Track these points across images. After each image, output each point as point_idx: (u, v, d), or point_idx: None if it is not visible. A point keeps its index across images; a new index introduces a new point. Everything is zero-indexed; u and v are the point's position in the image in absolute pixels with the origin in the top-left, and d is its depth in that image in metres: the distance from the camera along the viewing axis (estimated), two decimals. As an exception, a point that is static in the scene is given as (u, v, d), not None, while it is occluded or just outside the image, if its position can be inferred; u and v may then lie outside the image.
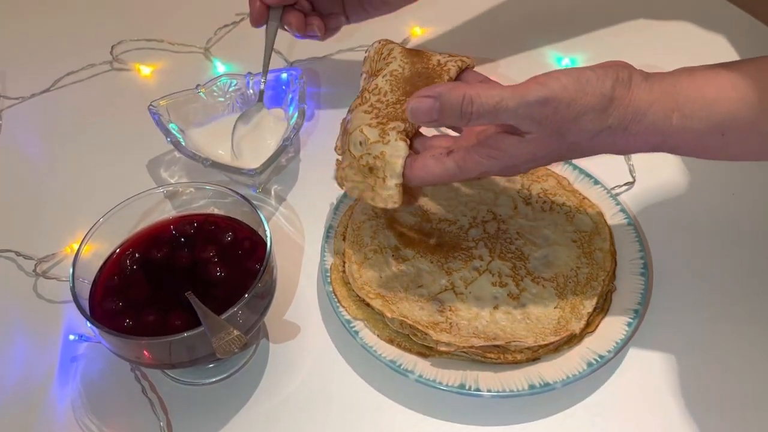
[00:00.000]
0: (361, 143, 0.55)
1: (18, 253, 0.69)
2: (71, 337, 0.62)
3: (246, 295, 0.52)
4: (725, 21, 0.91)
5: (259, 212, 0.58)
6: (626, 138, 0.49)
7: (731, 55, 0.86)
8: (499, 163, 0.51)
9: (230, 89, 0.77)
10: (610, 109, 0.48)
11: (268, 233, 0.57)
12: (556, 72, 0.48)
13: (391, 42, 0.63)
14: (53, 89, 0.87)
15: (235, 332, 0.49)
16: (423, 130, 0.59)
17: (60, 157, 0.80)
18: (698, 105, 0.48)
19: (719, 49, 0.87)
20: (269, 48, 0.75)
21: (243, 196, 0.59)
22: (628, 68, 0.49)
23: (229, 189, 0.60)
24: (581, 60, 0.87)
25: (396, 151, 0.53)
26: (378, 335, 0.59)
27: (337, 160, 0.59)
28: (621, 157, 0.75)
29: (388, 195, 0.54)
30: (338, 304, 0.61)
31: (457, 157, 0.51)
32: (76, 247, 0.68)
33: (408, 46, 0.78)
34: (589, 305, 0.59)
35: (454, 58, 0.61)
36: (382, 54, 0.63)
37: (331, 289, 0.62)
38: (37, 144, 0.82)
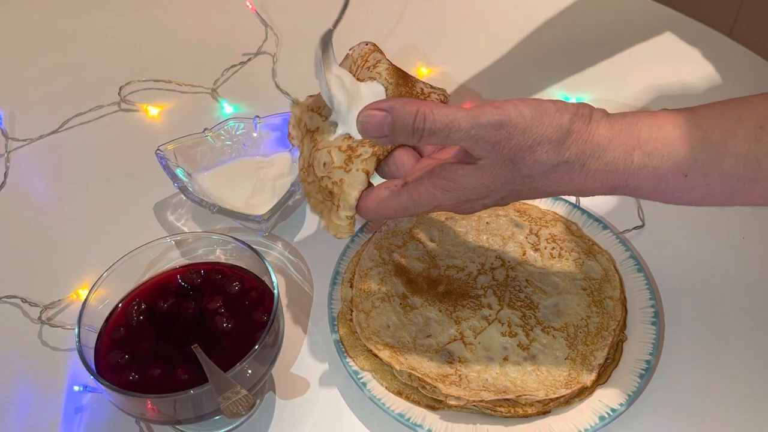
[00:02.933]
0: (324, 164, 0.53)
1: (24, 300, 0.68)
2: (76, 388, 0.61)
3: (253, 350, 0.52)
4: (730, 59, 0.91)
5: (265, 261, 0.58)
6: (584, 176, 0.47)
7: (738, 94, 0.86)
8: (453, 196, 0.49)
9: (237, 132, 0.77)
10: (567, 142, 0.46)
11: (275, 283, 0.56)
12: (515, 99, 0.47)
13: (380, 51, 0.59)
14: (61, 130, 0.87)
15: (243, 391, 0.48)
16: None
17: (67, 200, 0.80)
18: (660, 143, 0.47)
19: (724, 85, 0.87)
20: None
21: (249, 246, 0.59)
22: (589, 107, 0.48)
23: (235, 238, 0.59)
24: (588, 99, 0.87)
25: (354, 181, 0.51)
26: (386, 387, 0.58)
27: (301, 167, 0.56)
28: (630, 200, 0.74)
29: (339, 226, 0.52)
30: (345, 355, 0.60)
31: (411, 190, 0.49)
32: (82, 293, 0.69)
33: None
34: (600, 356, 0.58)
35: (436, 90, 0.59)
36: (367, 61, 0.58)
37: (338, 338, 0.61)
38: (44, 186, 0.82)
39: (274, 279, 0.56)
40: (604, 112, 0.48)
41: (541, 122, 0.46)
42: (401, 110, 0.46)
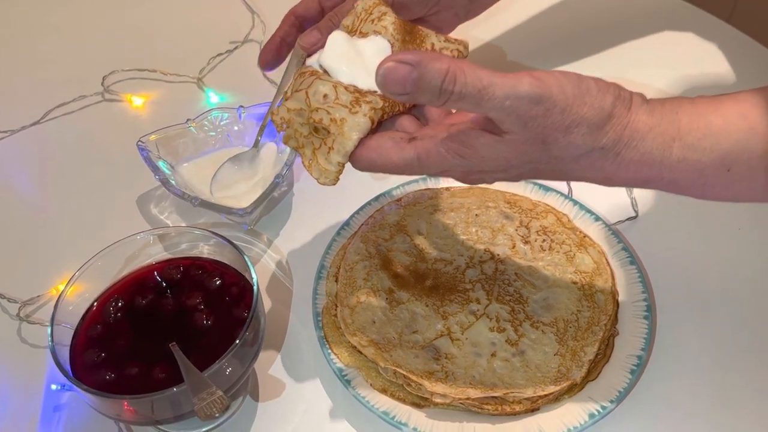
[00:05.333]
0: (325, 96, 0.47)
1: (2, 296, 0.67)
2: (53, 386, 0.60)
3: (232, 347, 0.50)
4: (729, 45, 0.89)
5: (245, 257, 0.56)
6: (617, 165, 0.44)
7: (740, 80, 0.84)
8: (466, 163, 0.44)
9: (221, 123, 0.75)
10: (606, 127, 0.42)
11: (254, 279, 0.55)
12: (556, 72, 0.42)
13: (386, 4, 0.53)
14: (43, 121, 0.85)
15: (218, 392, 0.47)
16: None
17: (48, 193, 0.78)
18: (702, 134, 0.43)
19: (722, 72, 0.85)
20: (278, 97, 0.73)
21: (229, 241, 0.57)
22: (627, 90, 0.44)
23: (215, 233, 0.58)
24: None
25: (356, 124, 0.46)
26: (371, 384, 0.57)
27: (285, 94, 0.50)
28: (622, 190, 0.73)
29: (326, 170, 0.47)
30: (330, 351, 0.59)
31: (419, 147, 0.44)
32: (61, 288, 0.67)
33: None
34: (590, 352, 0.57)
35: (452, 45, 0.53)
36: (371, 14, 0.52)
37: (322, 334, 0.60)
38: (26, 179, 0.80)
39: (254, 275, 0.55)
40: (642, 97, 0.45)
41: (582, 102, 0.42)
42: (429, 67, 0.40)
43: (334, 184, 0.47)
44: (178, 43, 0.95)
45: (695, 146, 0.43)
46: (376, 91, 0.47)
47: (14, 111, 0.86)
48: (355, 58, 0.48)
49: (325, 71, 0.48)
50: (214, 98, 0.87)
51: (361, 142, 0.46)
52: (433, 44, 0.53)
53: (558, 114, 0.41)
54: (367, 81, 0.47)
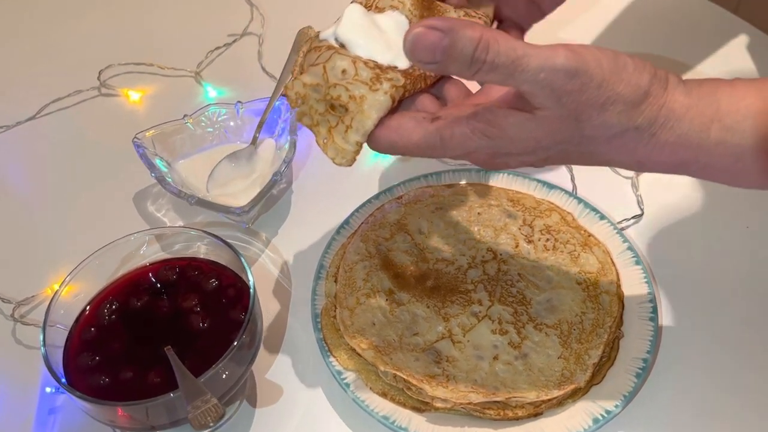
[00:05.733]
0: (344, 72, 0.44)
1: (-4, 296, 0.66)
2: (48, 389, 0.59)
3: (229, 351, 0.49)
4: (736, 36, 0.87)
5: (242, 258, 0.55)
6: (651, 146, 0.41)
7: (746, 70, 0.83)
8: (492, 144, 0.42)
9: (219, 119, 0.74)
10: (642, 106, 0.40)
11: (251, 282, 0.53)
12: (591, 46, 0.40)
13: None
14: (39, 116, 0.84)
15: (213, 400, 0.46)
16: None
17: (44, 190, 0.77)
18: (741, 116, 0.41)
19: (728, 63, 0.83)
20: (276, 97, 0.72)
21: (225, 242, 0.56)
22: (663, 70, 0.42)
23: (211, 234, 0.57)
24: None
25: (376, 102, 0.43)
26: (371, 388, 0.56)
27: (295, 69, 0.47)
28: (628, 188, 0.71)
29: (343, 150, 0.44)
30: (329, 354, 0.58)
31: (441, 126, 0.42)
32: (57, 288, 0.66)
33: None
34: (594, 355, 0.56)
35: (473, 18, 0.50)
36: None
37: (321, 337, 0.59)
38: (21, 176, 0.79)
39: (250, 277, 0.54)
40: (678, 77, 0.42)
41: (619, 78, 0.39)
42: (461, 33, 0.38)
43: (350, 165, 0.45)
44: (175, 36, 0.94)
45: (734, 128, 0.41)
46: (396, 67, 0.45)
47: (9, 106, 0.85)
48: (373, 32, 0.46)
49: (342, 45, 0.45)
50: (212, 93, 0.85)
51: (381, 121, 0.43)
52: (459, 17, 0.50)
53: (594, 89, 0.39)
54: (387, 56, 0.45)
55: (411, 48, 0.38)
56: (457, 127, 0.42)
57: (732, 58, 0.84)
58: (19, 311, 0.65)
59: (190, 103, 0.83)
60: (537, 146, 0.42)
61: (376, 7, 0.48)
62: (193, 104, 0.83)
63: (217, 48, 0.90)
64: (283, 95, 0.49)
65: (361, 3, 0.49)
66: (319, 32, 0.47)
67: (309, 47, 0.47)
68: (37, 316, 0.65)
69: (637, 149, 0.42)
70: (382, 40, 0.45)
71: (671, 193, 0.71)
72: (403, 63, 0.45)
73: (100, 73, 0.87)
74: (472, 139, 0.42)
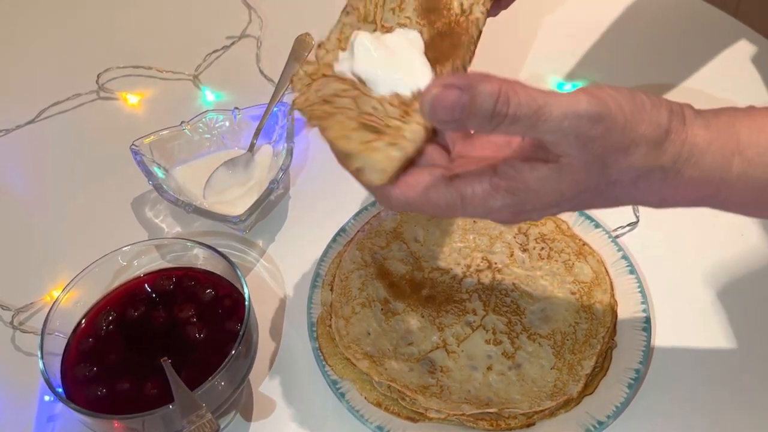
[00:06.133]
0: (374, 108, 0.42)
1: (-4, 302, 0.66)
2: (47, 398, 0.59)
3: (221, 367, 0.50)
4: (735, 39, 0.87)
5: (238, 271, 0.55)
6: (676, 184, 0.40)
7: (745, 74, 0.82)
8: (517, 201, 0.40)
9: (216, 125, 0.74)
10: (665, 144, 0.39)
11: (246, 294, 0.54)
12: (606, 87, 0.39)
13: None
14: (38, 120, 0.84)
15: (208, 415, 0.46)
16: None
17: (42, 195, 0.77)
18: (763, 149, 0.40)
19: (731, 68, 0.83)
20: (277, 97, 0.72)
21: (223, 255, 0.56)
22: (677, 102, 0.41)
23: (208, 246, 0.57)
24: (587, 83, 0.83)
25: (413, 133, 0.41)
26: (366, 397, 0.56)
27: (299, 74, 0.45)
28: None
29: (388, 158, 0.40)
30: (324, 363, 0.58)
31: (462, 186, 0.40)
32: (56, 295, 0.66)
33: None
34: (587, 366, 0.56)
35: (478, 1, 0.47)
36: None
37: (317, 345, 0.59)
38: (20, 180, 0.79)
39: (246, 289, 0.54)
40: (692, 108, 0.41)
41: (641, 118, 0.38)
42: (480, 89, 0.36)
43: (385, 181, 0.40)
44: (173, 39, 0.94)
45: (756, 161, 0.41)
46: (419, 90, 0.43)
47: (8, 109, 0.85)
48: (390, 61, 0.44)
49: (360, 79, 0.44)
50: (210, 96, 0.85)
51: (398, 179, 0.41)
52: (461, 3, 0.47)
53: (618, 133, 0.38)
54: (409, 83, 0.43)
55: (430, 110, 0.37)
56: (478, 185, 0.40)
57: (730, 61, 0.84)
58: (18, 318, 0.65)
59: (188, 107, 0.84)
60: (561, 198, 0.41)
61: (383, 26, 0.47)
62: (191, 108, 0.84)
63: (215, 51, 0.90)
64: (286, 99, 0.49)
65: (360, 13, 0.48)
66: (321, 42, 0.46)
67: (316, 70, 0.45)
68: (36, 323, 0.65)
69: (662, 188, 0.41)
70: (401, 67, 0.44)
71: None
72: (425, 80, 0.44)
73: (98, 76, 0.87)
74: (495, 197, 0.40)
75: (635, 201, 0.43)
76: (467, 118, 0.37)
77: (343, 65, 0.45)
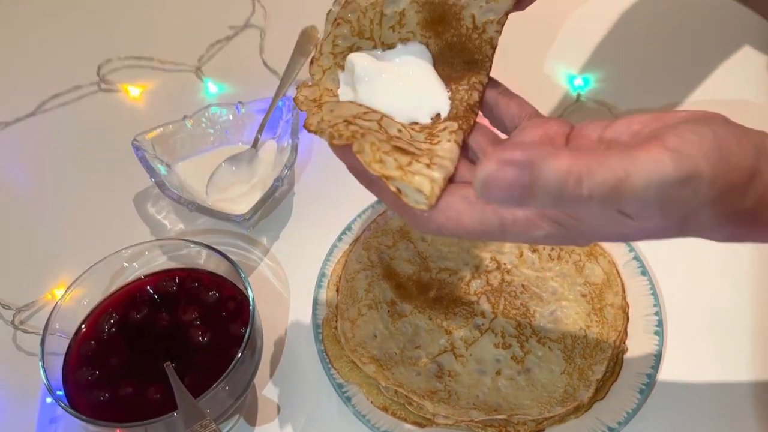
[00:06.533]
0: (399, 130, 0.39)
1: (-3, 301, 0.65)
2: (48, 400, 0.59)
3: (225, 374, 0.49)
4: (744, 27, 0.85)
5: (242, 273, 0.54)
6: (748, 226, 0.36)
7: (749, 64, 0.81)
8: (566, 233, 0.36)
9: (220, 119, 0.73)
10: (750, 188, 0.34)
11: (251, 299, 0.53)
12: (682, 128, 0.33)
13: None
14: (39, 113, 0.83)
15: (212, 426, 0.45)
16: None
17: (43, 190, 0.76)
18: None
19: (736, 56, 0.81)
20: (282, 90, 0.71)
21: (228, 258, 0.55)
22: (757, 132, 0.36)
23: (212, 248, 0.56)
24: (594, 79, 0.81)
25: (448, 152, 0.38)
26: (372, 402, 0.55)
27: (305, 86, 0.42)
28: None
29: (428, 181, 0.36)
30: (330, 366, 0.57)
31: (502, 211, 0.36)
32: (57, 293, 0.66)
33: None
34: (598, 371, 0.55)
35: (490, 10, 0.42)
36: (385, 10, 0.42)
37: (322, 348, 0.58)
38: (20, 175, 0.78)
39: (250, 293, 0.53)
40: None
41: (728, 164, 0.33)
42: (545, 167, 0.31)
43: (432, 207, 0.37)
44: (175, 29, 0.92)
45: None
46: (439, 116, 0.41)
47: (8, 102, 0.84)
48: (397, 85, 0.41)
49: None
50: (213, 88, 0.84)
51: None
52: (473, 16, 0.42)
53: (705, 188, 0.33)
54: (426, 110, 0.41)
55: (482, 189, 0.33)
56: (521, 213, 0.36)
57: (743, 52, 0.82)
58: (19, 317, 0.64)
59: (190, 99, 0.82)
60: (622, 238, 0.36)
61: (383, 43, 0.43)
62: (194, 100, 0.82)
63: (219, 42, 0.88)
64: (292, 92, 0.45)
65: (353, 27, 0.43)
66: (313, 57, 0.43)
67: (318, 96, 0.42)
68: (36, 321, 0.64)
69: (735, 229, 0.37)
70: (412, 93, 0.41)
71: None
72: (443, 101, 0.41)
73: (99, 67, 0.85)
74: (540, 226, 0.36)
75: (698, 237, 0.38)
76: (528, 198, 0.32)
77: (345, 92, 0.42)
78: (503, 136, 0.43)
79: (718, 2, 0.88)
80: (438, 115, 0.41)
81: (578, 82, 0.81)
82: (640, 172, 0.31)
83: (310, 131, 0.39)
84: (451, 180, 0.38)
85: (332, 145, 0.39)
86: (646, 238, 0.36)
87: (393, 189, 0.36)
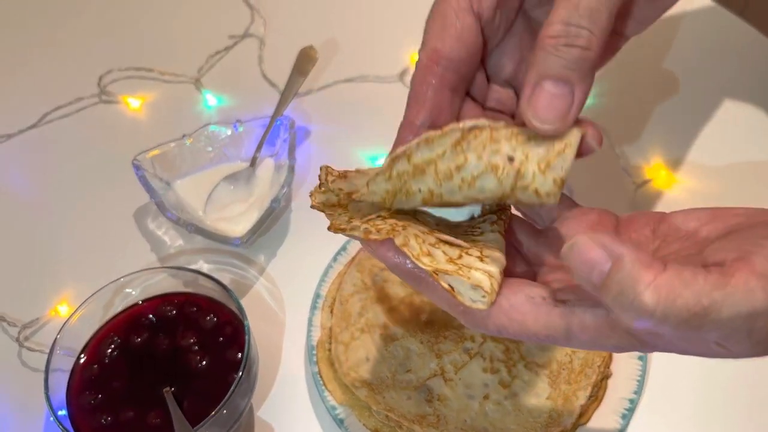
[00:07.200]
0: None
1: (2, 318, 0.67)
2: (52, 418, 0.61)
3: (222, 404, 0.51)
4: (741, 41, 0.85)
5: (237, 300, 0.56)
6: None
7: (746, 76, 0.81)
8: (641, 347, 0.34)
9: (219, 137, 0.74)
10: None
11: (247, 327, 0.55)
12: (760, 244, 0.31)
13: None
14: (41, 125, 0.84)
15: (208, 456, 0.48)
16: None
17: (44, 204, 0.77)
18: None
19: (732, 68, 0.82)
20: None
21: (224, 286, 0.57)
22: None
23: (211, 278, 0.58)
24: (592, 95, 0.82)
25: (494, 242, 0.36)
26: (364, 424, 0.58)
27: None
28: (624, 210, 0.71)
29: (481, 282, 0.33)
30: (324, 388, 0.59)
31: (572, 318, 0.33)
32: (61, 309, 0.68)
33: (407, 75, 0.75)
34: (582, 396, 0.57)
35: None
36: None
37: (317, 370, 0.60)
38: (23, 187, 0.80)
39: (247, 321, 0.55)
40: None
41: None
42: (629, 271, 0.30)
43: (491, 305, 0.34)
44: (174, 39, 0.92)
45: None
46: (474, 217, 0.39)
47: (12, 112, 0.85)
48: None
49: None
50: (212, 101, 0.85)
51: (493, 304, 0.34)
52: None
53: None
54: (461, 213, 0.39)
55: (567, 255, 0.31)
56: (590, 317, 0.33)
57: (735, 62, 0.83)
58: (24, 333, 0.66)
59: (189, 112, 0.83)
60: (709, 356, 0.33)
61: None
62: (193, 113, 0.83)
63: (218, 52, 0.89)
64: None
65: (375, 199, 0.38)
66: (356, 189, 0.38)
67: (336, 202, 0.40)
68: (41, 338, 0.66)
69: None
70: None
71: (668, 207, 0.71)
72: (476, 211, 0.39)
73: (100, 78, 0.87)
74: (610, 336, 0.33)
75: None
76: (602, 291, 0.31)
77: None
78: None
79: (713, 11, 0.88)
80: (475, 217, 0.39)
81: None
82: (728, 301, 0.30)
83: (339, 231, 0.36)
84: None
85: (368, 242, 0.36)
86: (736, 357, 0.34)
87: (445, 286, 0.33)
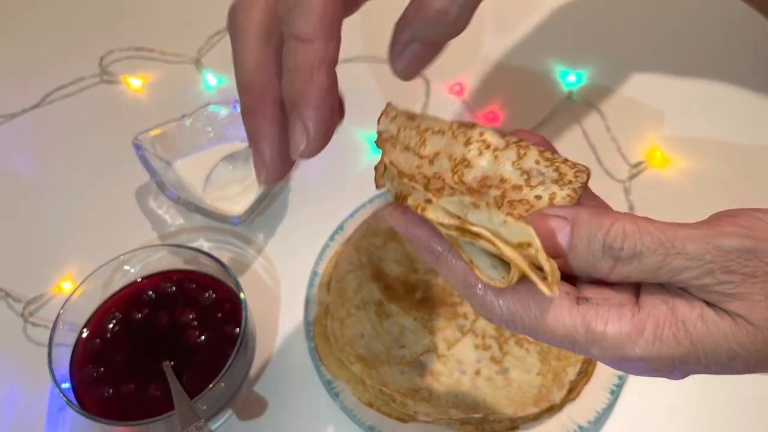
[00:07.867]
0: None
1: (7, 294, 0.69)
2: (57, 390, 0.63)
3: (219, 377, 0.52)
4: (739, 22, 0.85)
5: (234, 276, 0.57)
6: None
7: (745, 58, 0.81)
8: (666, 352, 0.31)
9: (218, 117, 0.75)
10: None
11: (244, 303, 0.56)
12: (752, 212, 0.31)
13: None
14: (43, 105, 0.85)
15: (207, 428, 0.49)
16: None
17: (47, 183, 0.79)
18: None
19: (731, 51, 0.82)
20: None
21: (221, 263, 0.58)
22: None
23: (209, 255, 0.59)
24: (587, 75, 0.82)
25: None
26: (359, 398, 0.59)
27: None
28: (621, 193, 0.72)
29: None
30: (320, 363, 0.61)
31: (591, 317, 0.31)
32: (63, 285, 0.69)
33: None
34: (572, 372, 0.58)
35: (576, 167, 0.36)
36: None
37: (313, 345, 0.62)
38: (27, 167, 0.81)
39: (243, 296, 0.56)
40: None
41: None
42: (588, 222, 0.30)
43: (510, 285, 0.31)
44: (175, 19, 0.93)
45: None
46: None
47: (13, 94, 0.86)
48: None
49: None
50: (212, 81, 0.85)
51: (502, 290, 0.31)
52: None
53: None
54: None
55: (530, 235, 0.29)
56: (615, 322, 0.31)
57: (734, 45, 0.83)
58: (28, 309, 0.68)
59: (190, 92, 0.84)
60: (733, 363, 0.32)
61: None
62: (193, 93, 0.84)
63: (218, 33, 0.89)
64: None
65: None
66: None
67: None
68: (45, 313, 0.68)
69: None
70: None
71: (662, 195, 0.72)
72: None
73: (101, 58, 0.87)
74: (636, 343, 0.31)
75: None
76: (572, 252, 0.31)
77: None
78: None
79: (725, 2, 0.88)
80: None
81: (571, 78, 0.83)
82: (694, 235, 0.30)
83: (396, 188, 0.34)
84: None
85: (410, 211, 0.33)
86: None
87: (465, 258, 0.31)
